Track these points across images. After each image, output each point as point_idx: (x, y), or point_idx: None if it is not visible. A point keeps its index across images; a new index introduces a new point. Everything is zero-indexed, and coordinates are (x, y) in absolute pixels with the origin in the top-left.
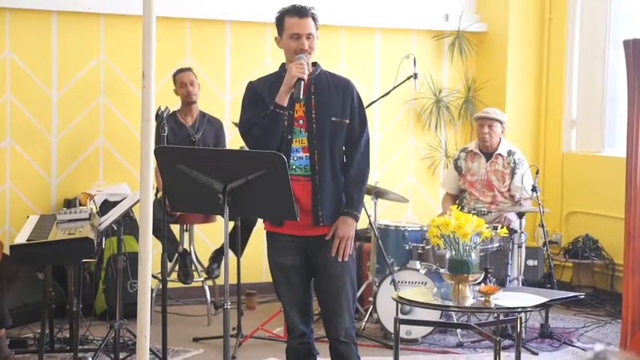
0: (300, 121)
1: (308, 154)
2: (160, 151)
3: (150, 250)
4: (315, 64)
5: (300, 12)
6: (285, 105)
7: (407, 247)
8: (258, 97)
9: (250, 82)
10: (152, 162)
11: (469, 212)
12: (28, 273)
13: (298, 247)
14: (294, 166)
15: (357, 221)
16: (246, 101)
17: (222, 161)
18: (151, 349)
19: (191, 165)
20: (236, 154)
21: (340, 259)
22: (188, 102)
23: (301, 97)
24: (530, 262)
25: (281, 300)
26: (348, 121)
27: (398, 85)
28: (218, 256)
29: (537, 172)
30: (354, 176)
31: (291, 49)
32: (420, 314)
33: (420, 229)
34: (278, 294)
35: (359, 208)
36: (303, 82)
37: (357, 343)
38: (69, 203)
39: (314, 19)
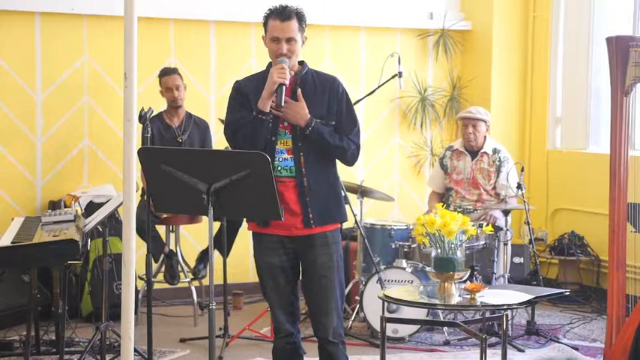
0: (285, 123)
1: (292, 156)
2: (143, 152)
3: (134, 252)
4: (302, 62)
5: (282, 14)
6: (268, 110)
7: (393, 246)
8: (244, 97)
9: (237, 82)
10: (136, 163)
11: (455, 210)
12: (14, 275)
13: (285, 247)
14: (279, 168)
15: (307, 127)
16: (231, 101)
17: (206, 162)
18: (137, 351)
19: (175, 166)
20: (220, 154)
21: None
22: (174, 106)
23: (283, 103)
24: (517, 260)
25: (267, 300)
26: (334, 122)
27: (382, 84)
28: (204, 256)
29: (522, 170)
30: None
31: (272, 52)
32: (407, 313)
33: (406, 227)
34: (264, 294)
35: (319, 129)
36: (284, 87)
37: (345, 343)
38: (54, 205)
39: (299, 20)
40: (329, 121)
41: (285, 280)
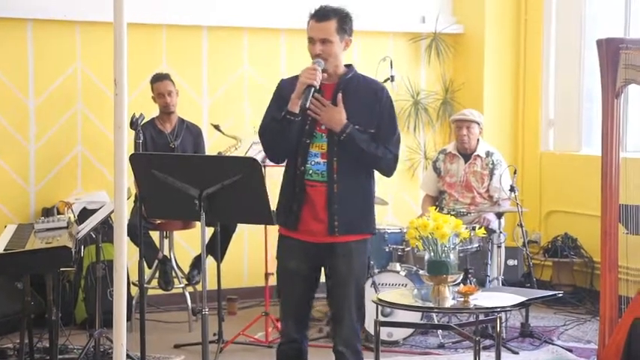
0: (323, 126)
1: (326, 160)
2: (134, 158)
3: (125, 258)
4: (349, 66)
5: (318, 14)
6: (297, 112)
7: (387, 249)
8: (282, 97)
9: (281, 80)
10: (127, 169)
11: (448, 213)
12: (7, 283)
13: (307, 254)
14: (310, 171)
15: (342, 132)
16: (271, 100)
17: (197, 167)
18: (131, 357)
19: (166, 171)
20: (211, 159)
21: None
22: (166, 112)
23: (307, 104)
24: (510, 262)
25: (280, 303)
26: (373, 131)
27: None
28: (198, 262)
29: (515, 172)
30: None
31: (309, 53)
32: (401, 316)
33: (399, 231)
34: (279, 296)
35: (354, 135)
36: (312, 89)
37: (358, 351)
38: (47, 212)
39: (340, 21)
40: (368, 128)
41: (301, 288)
